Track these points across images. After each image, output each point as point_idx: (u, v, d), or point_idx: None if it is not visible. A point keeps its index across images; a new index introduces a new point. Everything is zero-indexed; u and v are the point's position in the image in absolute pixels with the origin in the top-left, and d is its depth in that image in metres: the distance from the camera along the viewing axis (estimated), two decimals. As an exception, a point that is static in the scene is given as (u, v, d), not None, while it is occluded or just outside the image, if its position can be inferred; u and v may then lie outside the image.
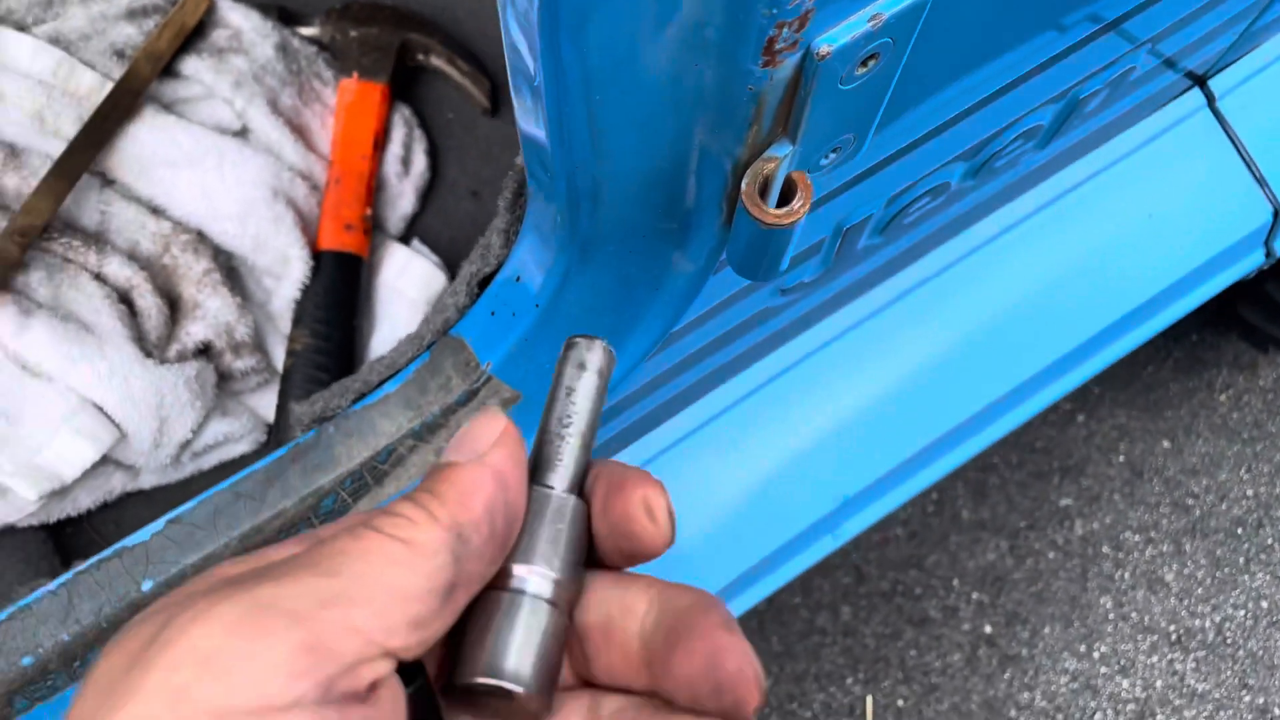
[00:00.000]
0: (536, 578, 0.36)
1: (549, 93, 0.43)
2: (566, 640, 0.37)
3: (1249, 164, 0.97)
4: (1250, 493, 2.03)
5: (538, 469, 0.38)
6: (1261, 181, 0.97)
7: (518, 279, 0.61)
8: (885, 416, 0.88)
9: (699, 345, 0.71)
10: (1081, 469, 2.05)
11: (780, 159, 0.47)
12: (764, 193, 0.48)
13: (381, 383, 0.67)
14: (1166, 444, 2.06)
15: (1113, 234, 0.94)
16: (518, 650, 0.35)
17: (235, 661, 0.27)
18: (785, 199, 0.48)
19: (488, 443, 0.35)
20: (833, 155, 0.52)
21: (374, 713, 0.29)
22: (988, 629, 1.96)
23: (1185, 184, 0.97)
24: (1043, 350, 0.93)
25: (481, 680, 0.35)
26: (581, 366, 0.40)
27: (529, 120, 0.47)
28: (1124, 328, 0.96)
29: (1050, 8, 0.55)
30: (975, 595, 1.98)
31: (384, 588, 0.30)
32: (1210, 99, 0.96)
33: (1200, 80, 0.95)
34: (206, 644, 0.28)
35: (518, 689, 0.34)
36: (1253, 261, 1.00)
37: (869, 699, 1.90)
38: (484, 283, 0.64)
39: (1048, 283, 0.92)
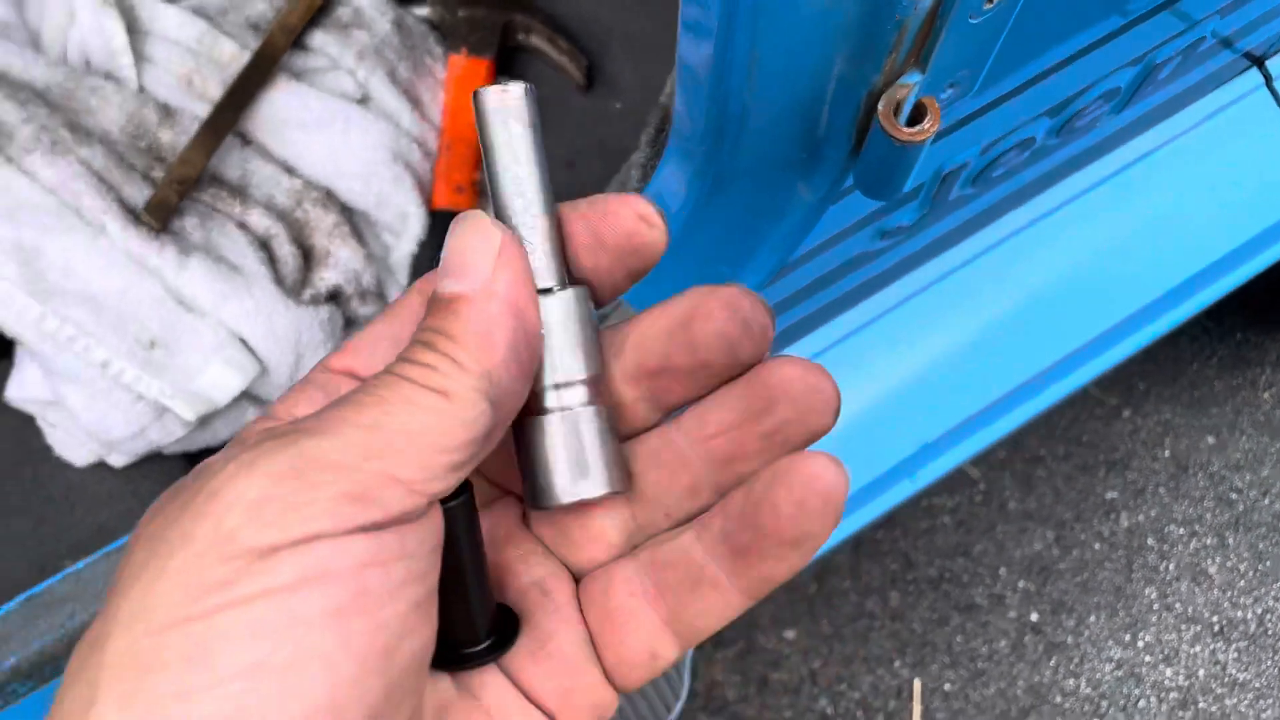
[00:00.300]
0: (574, 389, 0.35)
1: (721, 22, 0.50)
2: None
3: (1307, 140, 1.02)
4: (1294, 489, 2.06)
5: None
6: (1318, 157, 1.02)
7: (653, 210, 0.68)
8: (963, 367, 0.94)
9: (802, 284, 0.78)
10: (1127, 463, 2.10)
11: (913, 86, 0.54)
12: (897, 113, 0.55)
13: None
14: (1211, 440, 2.10)
15: (1177, 202, 1.00)
16: (591, 462, 0.35)
17: (283, 508, 0.28)
18: (915, 120, 0.54)
19: (488, 263, 0.33)
20: (950, 90, 0.58)
21: (414, 538, 0.30)
22: (1034, 617, 2.00)
23: (1243, 158, 1.03)
24: (1112, 309, 0.99)
25: (568, 501, 0.35)
26: (506, 123, 0.35)
27: (694, 50, 0.54)
28: (1188, 291, 1.02)
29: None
30: (1021, 584, 2.03)
31: (425, 439, 0.30)
32: (1268, 79, 1.02)
33: (1259, 61, 1.01)
34: (254, 493, 0.28)
35: (606, 492, 0.35)
36: (1311, 231, 1.06)
37: (916, 682, 1.94)
38: (618, 216, 0.71)
39: (1117, 245, 0.98)
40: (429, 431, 0.30)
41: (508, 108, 0.35)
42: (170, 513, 0.30)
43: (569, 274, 0.37)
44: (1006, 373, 0.94)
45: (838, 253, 0.75)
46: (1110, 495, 2.09)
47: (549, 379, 0.35)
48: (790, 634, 1.95)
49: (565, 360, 0.35)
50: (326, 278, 0.93)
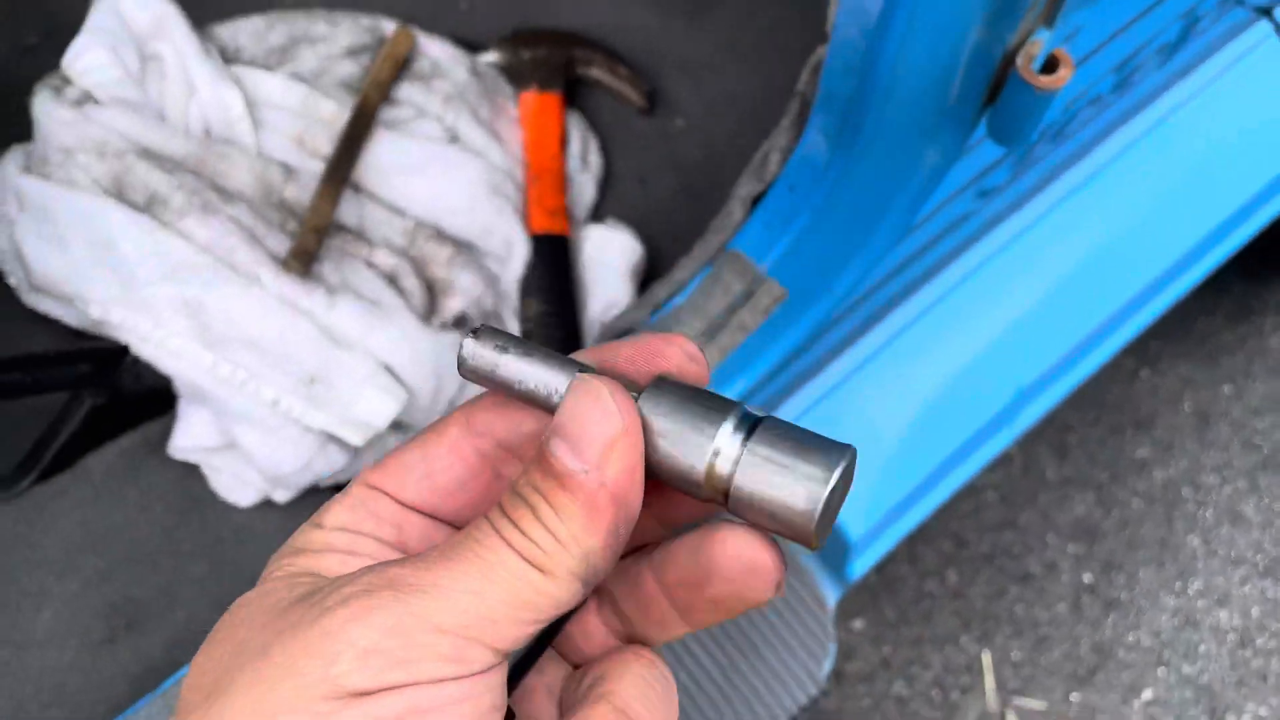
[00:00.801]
0: None
1: (886, 2, 0.58)
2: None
3: (1316, 79, 1.12)
4: (1312, 425, 2.16)
5: None
6: (1329, 93, 1.12)
7: (791, 189, 0.75)
8: (1045, 314, 1.02)
9: (917, 246, 0.85)
10: (1152, 421, 2.19)
11: (1043, 41, 0.62)
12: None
13: (669, 297, 0.81)
14: (1228, 389, 2.20)
15: (1212, 146, 1.09)
16: None
17: (389, 662, 0.31)
18: (1048, 70, 0.62)
19: (603, 445, 0.33)
20: (1069, 41, 0.67)
21: (496, 676, 0.33)
22: (1087, 578, 2.07)
23: (1264, 106, 1.12)
24: (1165, 251, 1.07)
25: None
26: (493, 362, 0.37)
27: (854, 23, 0.61)
28: (1229, 228, 1.11)
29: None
30: (1070, 548, 2.10)
31: (522, 614, 0.33)
32: (1278, 27, 1.12)
33: (1267, 11, 1.11)
34: (365, 642, 0.31)
35: None
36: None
37: (985, 655, 2.00)
38: (755, 201, 0.79)
39: (1164, 191, 1.07)
40: (526, 607, 0.33)
41: (482, 352, 0.37)
42: (272, 628, 0.32)
43: None
44: (1083, 316, 1.02)
45: (946, 214, 0.83)
46: (1141, 453, 2.17)
47: None
48: (858, 624, 2.01)
49: None
50: (452, 305, 1.00)
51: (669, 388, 0.35)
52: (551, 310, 1.04)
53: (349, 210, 1.02)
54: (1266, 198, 1.13)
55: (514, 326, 1.06)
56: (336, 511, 0.37)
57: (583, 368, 0.36)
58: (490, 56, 1.20)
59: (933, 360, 0.98)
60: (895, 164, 0.72)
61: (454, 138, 1.11)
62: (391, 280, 0.99)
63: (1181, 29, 0.87)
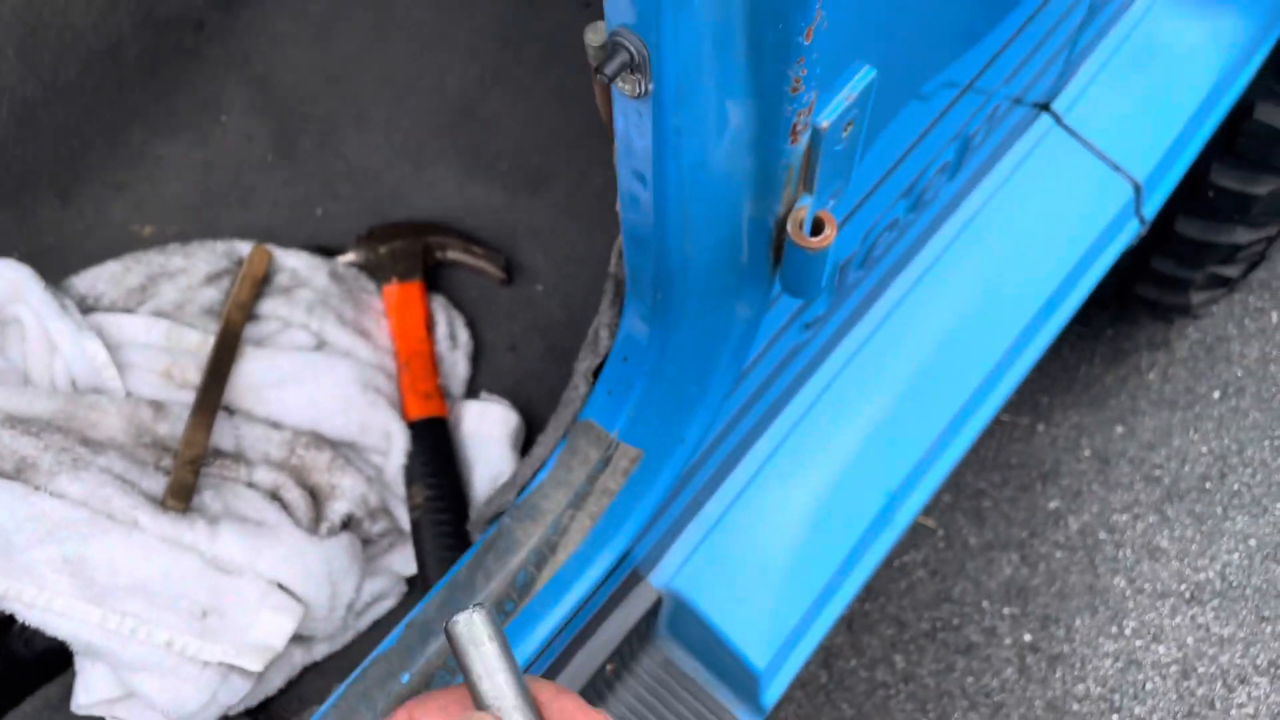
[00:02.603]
0: None
1: (657, 198, 0.64)
2: None
3: (1103, 158, 1.24)
4: (1205, 449, 2.26)
5: None
6: (1116, 168, 1.23)
7: (624, 359, 0.81)
8: (898, 419, 1.08)
9: (754, 387, 0.91)
10: (1057, 471, 2.27)
11: (806, 207, 0.69)
12: (801, 229, 0.69)
13: (534, 475, 0.85)
14: (1120, 429, 2.29)
15: (1021, 238, 1.18)
16: None
17: None
18: (816, 230, 0.69)
19: None
20: (833, 200, 0.74)
21: None
22: (1027, 638, 2.11)
23: (1062, 187, 1.23)
24: (997, 340, 1.15)
25: None
26: (475, 643, 0.43)
27: (638, 221, 0.68)
28: (1055, 304, 1.20)
29: (942, 75, 0.80)
30: (1006, 610, 2.14)
31: None
32: (1057, 118, 1.23)
33: (1045, 106, 1.22)
34: None
35: None
36: (1132, 230, 1.26)
37: (946, 734, 2.02)
38: (596, 372, 0.84)
39: (985, 285, 1.15)
40: None
41: (474, 631, 0.43)
42: None
43: None
44: (935, 413, 1.09)
45: (776, 351, 0.89)
46: (1053, 505, 2.25)
47: None
48: (818, 728, 2.01)
49: None
50: (338, 508, 1.02)
51: None
52: (436, 494, 1.07)
53: (225, 434, 1.05)
54: (1082, 270, 1.22)
55: (402, 516, 1.09)
56: None
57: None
58: (349, 257, 1.25)
59: (801, 484, 1.03)
60: (709, 325, 0.78)
61: (322, 343, 1.15)
62: (274, 496, 1.01)
63: (959, 148, 0.96)
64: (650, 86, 0.56)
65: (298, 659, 1.01)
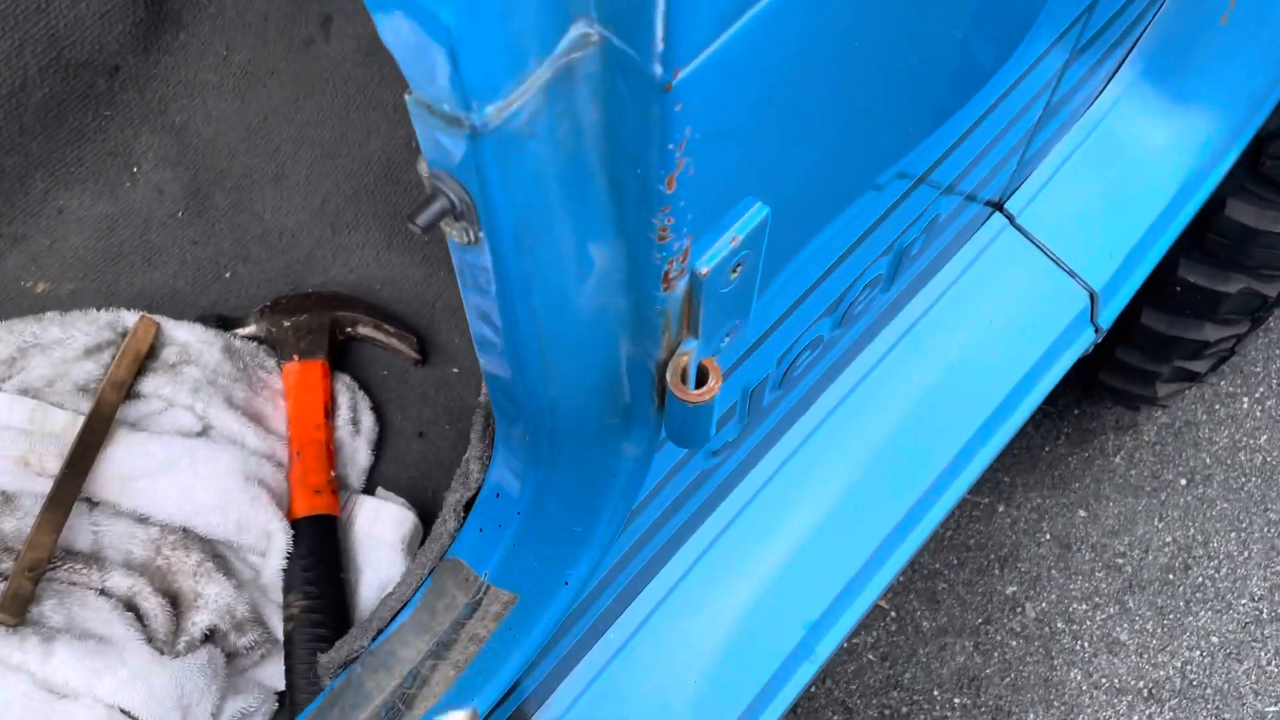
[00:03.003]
0: None
1: (507, 341, 0.56)
2: None
3: (1058, 262, 1.16)
4: (1169, 539, 2.19)
5: None
6: (1072, 274, 1.16)
7: (497, 495, 0.72)
8: (821, 544, 1.00)
9: (655, 517, 0.83)
10: (1016, 555, 2.19)
11: (690, 351, 0.61)
12: (684, 379, 0.61)
13: (393, 617, 0.76)
14: (1083, 513, 2.22)
15: (965, 346, 1.11)
16: None
17: None
18: (701, 380, 0.61)
19: None
20: (727, 339, 0.66)
21: None
22: (978, 730, 2.03)
23: (1012, 292, 1.15)
24: (934, 458, 1.07)
25: None
26: None
27: (493, 364, 0.60)
28: (996, 422, 1.12)
29: (864, 193, 0.72)
30: (957, 700, 2.06)
31: None
32: (1010, 218, 1.16)
33: (998, 205, 1.15)
34: None
35: None
36: (1086, 339, 1.18)
37: (889, 831, 1.92)
38: (467, 506, 0.75)
39: (922, 399, 1.07)
40: None
41: None
42: None
43: None
44: (860, 538, 1.01)
45: (678, 482, 0.81)
46: (1011, 590, 2.17)
47: None
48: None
49: None
50: (198, 621, 0.93)
51: None
52: (314, 605, 0.98)
53: (82, 530, 0.96)
54: (1031, 382, 1.15)
55: (278, 625, 1.00)
56: None
57: None
58: (249, 330, 1.16)
59: (710, 614, 0.94)
60: (592, 465, 0.70)
61: (207, 427, 1.06)
62: (129, 605, 0.92)
63: (892, 261, 0.88)
64: (480, 235, 0.47)
65: (145, 785, 0.92)
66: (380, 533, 1.05)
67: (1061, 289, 1.16)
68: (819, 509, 0.99)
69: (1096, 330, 1.19)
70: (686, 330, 0.61)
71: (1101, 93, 1.17)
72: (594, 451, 0.69)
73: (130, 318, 1.10)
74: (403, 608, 0.76)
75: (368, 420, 1.15)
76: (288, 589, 1.00)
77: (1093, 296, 1.16)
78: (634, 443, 0.70)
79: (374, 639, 0.75)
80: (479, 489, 0.74)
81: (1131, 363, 1.75)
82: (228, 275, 1.26)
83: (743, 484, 0.95)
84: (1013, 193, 1.16)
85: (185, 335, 1.10)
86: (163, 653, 0.90)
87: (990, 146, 0.91)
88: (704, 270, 0.56)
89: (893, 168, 0.74)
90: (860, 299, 0.88)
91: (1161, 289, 1.48)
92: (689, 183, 0.49)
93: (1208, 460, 2.25)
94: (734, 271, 0.59)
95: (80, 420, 1.00)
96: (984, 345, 1.10)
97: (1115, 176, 1.19)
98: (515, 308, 0.53)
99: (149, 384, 1.06)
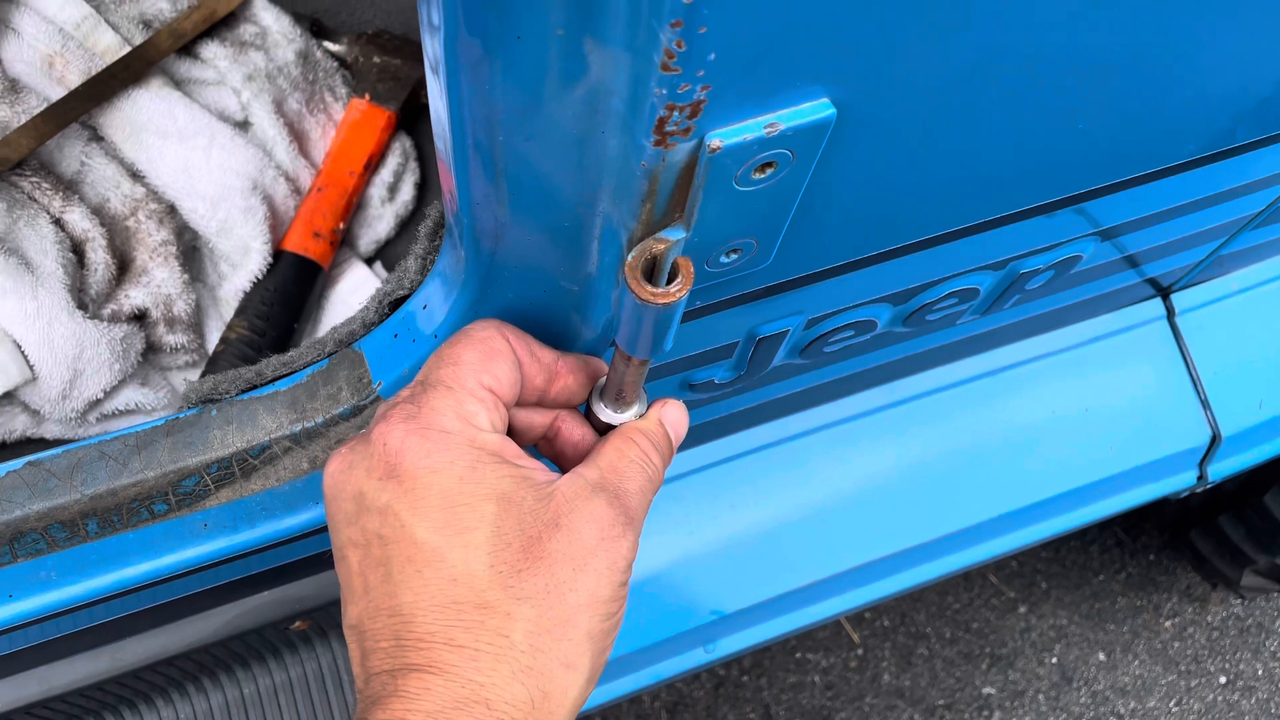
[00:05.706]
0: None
1: (454, 128, 0.44)
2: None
3: (1196, 384, 0.98)
4: (1176, 727, 1.98)
5: None
6: (1205, 404, 0.98)
7: (424, 307, 0.62)
8: (777, 542, 0.88)
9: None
10: (1012, 661, 2.01)
11: (672, 242, 0.48)
12: (652, 271, 0.49)
13: (275, 379, 0.68)
14: (1102, 656, 2.02)
15: (1046, 416, 0.95)
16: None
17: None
18: (670, 279, 0.49)
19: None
20: (733, 255, 0.53)
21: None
22: (882, 806, 1.90)
23: (1130, 387, 0.98)
24: (954, 515, 0.92)
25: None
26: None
27: (441, 153, 0.48)
28: (1042, 513, 0.96)
29: (997, 152, 0.56)
30: (878, 765, 1.93)
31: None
32: (1170, 312, 0.97)
33: (1164, 291, 0.96)
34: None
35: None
36: (1184, 480, 1.00)
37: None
38: (395, 305, 0.65)
39: (974, 448, 0.92)
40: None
41: None
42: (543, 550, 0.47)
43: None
44: (824, 559, 0.88)
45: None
46: (988, 690, 2.00)
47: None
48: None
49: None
50: (133, 296, 0.87)
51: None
52: (254, 340, 0.91)
53: (71, 156, 0.90)
54: (1097, 492, 0.99)
55: (213, 341, 0.93)
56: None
57: None
58: (337, 46, 1.07)
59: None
60: (531, 322, 0.59)
61: (246, 120, 0.98)
62: (76, 248, 0.86)
63: (1000, 280, 0.73)
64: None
65: (19, 425, 0.87)
66: (356, 303, 0.97)
67: (1185, 414, 0.98)
68: (801, 502, 0.86)
69: (1201, 478, 1.00)
70: (678, 214, 0.48)
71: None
72: (540, 310, 0.58)
73: (229, -23, 1.02)
74: (288, 375, 0.67)
75: (407, 193, 1.05)
76: (240, 312, 0.93)
77: (1215, 440, 0.98)
78: (588, 324, 0.59)
79: (244, 391, 0.67)
80: (412, 291, 0.63)
81: (1231, 536, 1.54)
82: (357, -9, 1.16)
83: (728, 440, 0.83)
84: (1187, 285, 0.97)
85: (270, 20, 1.02)
86: (83, 308, 0.84)
87: (1176, 211, 0.74)
88: (715, 144, 0.43)
89: (1039, 154, 0.58)
90: (941, 305, 0.73)
91: (1302, 476, 1.27)
92: (723, 6, 0.36)
93: (1259, 671, 2.01)
94: (761, 171, 0.46)
95: (125, 50, 0.93)
96: (1069, 427, 0.94)
97: (1315, 324, 0.99)
98: (460, 84, 0.41)
99: (210, 50, 0.98)
